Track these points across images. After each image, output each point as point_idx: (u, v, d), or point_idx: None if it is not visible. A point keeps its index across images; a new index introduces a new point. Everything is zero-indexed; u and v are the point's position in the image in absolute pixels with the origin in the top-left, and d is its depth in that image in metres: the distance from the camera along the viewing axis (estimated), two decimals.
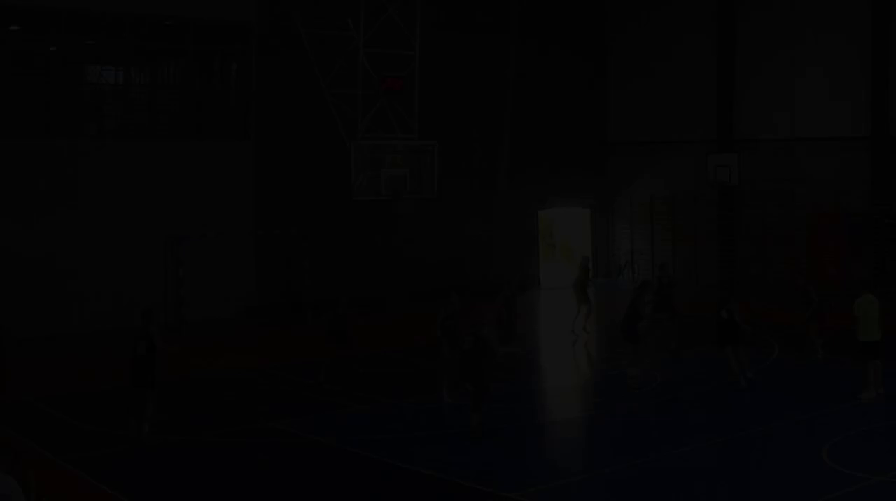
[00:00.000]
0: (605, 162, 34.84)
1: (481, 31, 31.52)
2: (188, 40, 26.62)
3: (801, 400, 16.92)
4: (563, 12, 33.16)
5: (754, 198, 30.68)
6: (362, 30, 22.35)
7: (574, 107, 33.96)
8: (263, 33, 27.10)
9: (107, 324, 24.67)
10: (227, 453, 14.72)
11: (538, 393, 18.65)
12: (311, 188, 28.34)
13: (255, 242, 27.70)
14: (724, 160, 30.13)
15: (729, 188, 30.64)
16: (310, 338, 24.70)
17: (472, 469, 13.46)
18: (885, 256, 27.41)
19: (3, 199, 23.90)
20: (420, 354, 21.56)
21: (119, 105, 27.10)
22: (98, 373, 20.57)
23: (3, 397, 17.96)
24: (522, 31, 31.71)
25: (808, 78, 29.14)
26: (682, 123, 32.12)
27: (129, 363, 15.56)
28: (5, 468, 9.83)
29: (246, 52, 27.48)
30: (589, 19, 34.10)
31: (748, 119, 30.85)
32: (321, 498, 12.95)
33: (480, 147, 31.81)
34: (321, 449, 14.81)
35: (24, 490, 9.98)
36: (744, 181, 29.96)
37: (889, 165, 27.92)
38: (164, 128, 27.55)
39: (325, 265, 27.87)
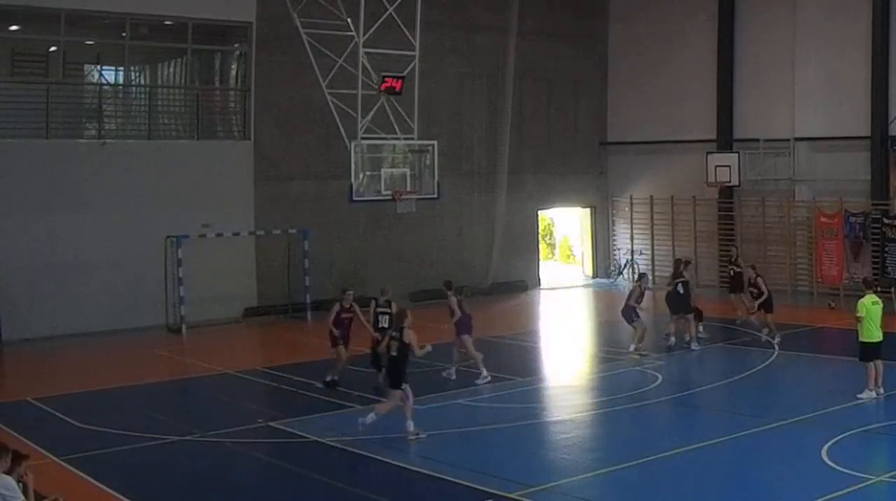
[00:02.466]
0: (605, 162, 34.84)
1: (481, 31, 31.53)
2: (188, 40, 26.60)
3: (800, 400, 16.92)
4: (564, 12, 33.17)
5: (754, 197, 30.70)
6: (362, 30, 22.32)
7: (574, 106, 33.97)
8: (263, 33, 27.09)
9: (107, 324, 24.69)
10: (228, 453, 14.71)
11: (538, 393, 18.63)
12: (311, 188, 28.35)
13: (255, 242, 27.69)
14: (724, 160, 30.16)
15: (729, 188, 30.67)
16: (309, 339, 24.80)
17: (472, 468, 13.45)
18: (885, 256, 27.39)
19: (3, 200, 23.87)
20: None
21: (119, 105, 27.09)
22: (98, 373, 20.59)
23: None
24: (522, 31, 31.71)
25: (808, 78, 29.12)
26: (682, 123, 32.10)
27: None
28: (4, 468, 9.84)
29: (246, 52, 27.48)
30: (589, 19, 34.09)
31: (748, 119, 30.83)
32: (321, 498, 12.95)
33: (480, 147, 31.83)
34: (321, 449, 14.80)
35: (23, 491, 9.99)
36: (744, 181, 29.98)
37: (889, 165, 27.90)
38: (164, 129, 27.53)
39: (325, 265, 27.86)
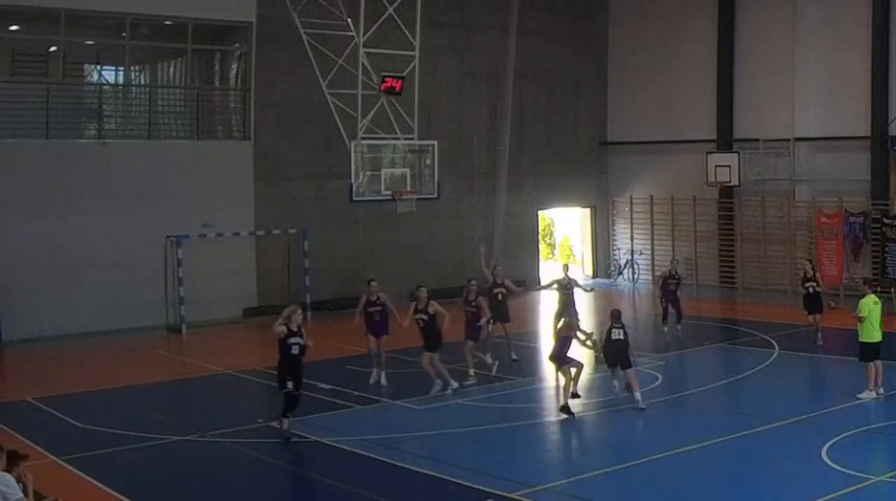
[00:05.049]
0: (605, 162, 34.85)
1: (481, 31, 31.53)
2: (188, 40, 26.60)
3: (800, 400, 16.92)
4: (563, 12, 33.17)
5: (754, 197, 30.70)
6: (362, 30, 22.35)
7: (574, 106, 33.97)
8: (263, 33, 27.09)
9: (107, 324, 24.68)
10: (227, 453, 14.71)
11: (538, 393, 18.62)
12: (311, 188, 28.34)
13: (255, 242, 27.69)
14: (724, 160, 30.17)
15: (729, 188, 30.68)
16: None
17: (472, 468, 13.45)
18: (885, 256, 27.39)
19: (3, 200, 23.88)
20: (419, 354, 21.55)
21: (119, 105, 27.09)
22: (98, 373, 20.59)
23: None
24: (522, 31, 31.71)
25: (808, 78, 29.13)
26: (681, 123, 32.11)
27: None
28: (3, 467, 9.84)
29: (246, 52, 27.48)
30: (589, 19, 34.09)
31: (748, 119, 30.84)
32: (321, 498, 12.95)
33: (480, 147, 31.83)
34: (321, 449, 14.80)
35: (23, 491, 9.99)
36: (744, 181, 29.99)
37: (889, 165, 27.91)
38: (164, 129, 27.53)
39: (325, 265, 27.85)
